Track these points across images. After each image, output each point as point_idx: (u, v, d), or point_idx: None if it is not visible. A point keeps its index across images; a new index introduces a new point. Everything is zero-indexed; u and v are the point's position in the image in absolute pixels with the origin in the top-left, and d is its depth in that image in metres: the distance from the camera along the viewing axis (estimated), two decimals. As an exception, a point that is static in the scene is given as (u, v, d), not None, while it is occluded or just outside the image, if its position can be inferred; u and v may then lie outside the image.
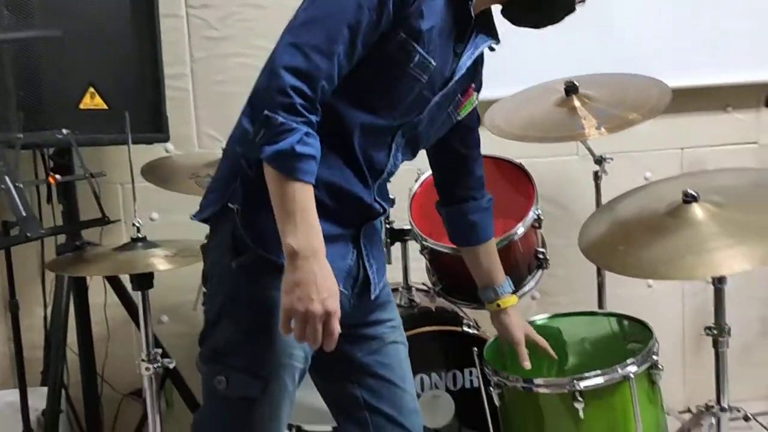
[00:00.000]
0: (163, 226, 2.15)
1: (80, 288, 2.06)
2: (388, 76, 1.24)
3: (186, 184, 2.03)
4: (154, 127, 2.03)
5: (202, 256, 1.35)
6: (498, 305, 1.65)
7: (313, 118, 1.17)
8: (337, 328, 1.16)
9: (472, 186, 1.58)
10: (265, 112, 1.14)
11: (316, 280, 1.14)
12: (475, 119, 1.52)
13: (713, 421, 1.86)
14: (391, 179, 1.41)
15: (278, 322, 1.19)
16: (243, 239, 1.24)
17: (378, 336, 1.41)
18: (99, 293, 2.22)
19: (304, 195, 1.15)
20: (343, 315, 1.23)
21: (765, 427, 1.95)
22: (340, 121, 1.25)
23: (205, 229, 1.73)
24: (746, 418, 1.92)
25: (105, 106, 1.90)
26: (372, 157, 1.30)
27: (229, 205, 1.25)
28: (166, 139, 2.10)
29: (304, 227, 1.15)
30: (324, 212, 1.21)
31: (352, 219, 1.32)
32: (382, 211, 1.36)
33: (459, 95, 1.39)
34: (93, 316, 2.18)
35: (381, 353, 1.41)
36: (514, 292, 1.67)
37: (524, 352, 1.64)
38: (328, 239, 1.20)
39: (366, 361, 1.40)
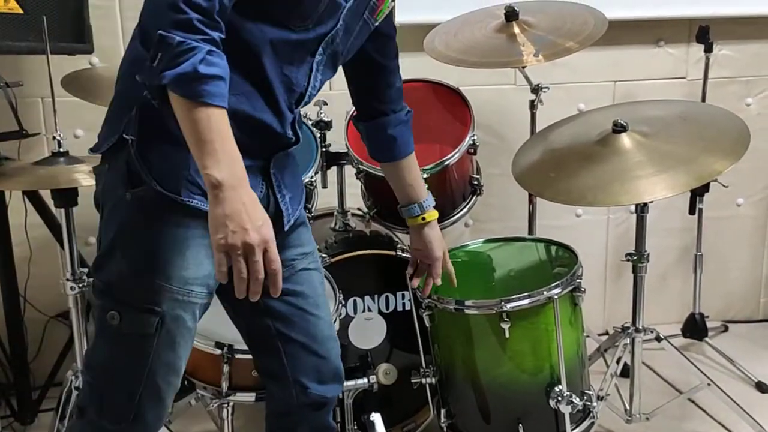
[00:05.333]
0: (88, 144, 2.05)
1: (-1, 207, 1.97)
2: None
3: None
4: (77, 37, 1.91)
5: (95, 178, 1.26)
6: (423, 219, 1.62)
7: (215, 34, 1.06)
8: (277, 256, 1.11)
9: (391, 99, 1.52)
10: (159, 32, 1.03)
11: (246, 209, 1.07)
12: (392, 26, 1.46)
13: (628, 340, 1.97)
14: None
15: (173, 257, 1.15)
16: (138, 172, 1.17)
17: (288, 264, 1.35)
18: (19, 214, 2.12)
19: (218, 120, 1.05)
20: None
21: (674, 347, 2.08)
22: (245, 40, 1.15)
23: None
24: (658, 339, 2.04)
25: (20, 11, 1.76)
26: (290, 78, 1.21)
27: (125, 136, 1.17)
28: (89, 50, 1.98)
29: (224, 156, 1.06)
30: None
31: (260, 150, 1.23)
32: (294, 140, 1.28)
33: None
34: (14, 238, 2.09)
35: (292, 281, 1.35)
36: (436, 207, 1.64)
37: (439, 267, 1.65)
38: None
39: None
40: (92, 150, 1.25)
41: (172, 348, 1.21)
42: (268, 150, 1.24)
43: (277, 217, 1.28)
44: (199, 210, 1.16)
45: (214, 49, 1.06)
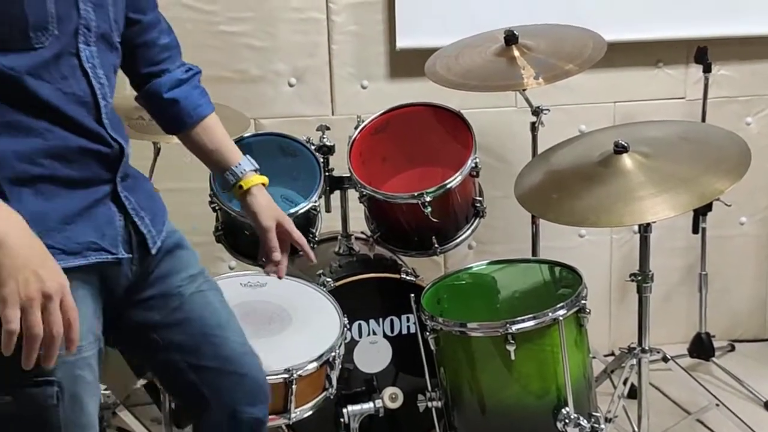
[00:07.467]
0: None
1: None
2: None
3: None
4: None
5: None
6: (240, 186, 1.38)
7: None
8: (73, 305, 0.98)
9: (158, 59, 1.32)
10: None
11: (22, 258, 0.94)
12: None
13: (634, 361, 1.96)
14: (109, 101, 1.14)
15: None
16: None
17: (175, 292, 1.25)
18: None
19: None
20: (130, 283, 1.17)
21: (682, 367, 2.07)
22: (4, 93, 1.03)
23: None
24: (665, 359, 2.03)
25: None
26: (69, 94, 1.07)
27: None
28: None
29: None
30: (60, 184, 1.06)
31: (95, 176, 1.12)
32: (119, 148, 1.14)
33: None
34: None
35: (184, 309, 1.26)
36: (257, 171, 1.40)
37: (273, 240, 1.40)
38: (85, 210, 1.09)
39: (170, 321, 1.25)
40: None
41: (81, 409, 1.12)
42: (104, 173, 1.13)
43: (141, 242, 1.19)
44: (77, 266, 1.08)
45: None
